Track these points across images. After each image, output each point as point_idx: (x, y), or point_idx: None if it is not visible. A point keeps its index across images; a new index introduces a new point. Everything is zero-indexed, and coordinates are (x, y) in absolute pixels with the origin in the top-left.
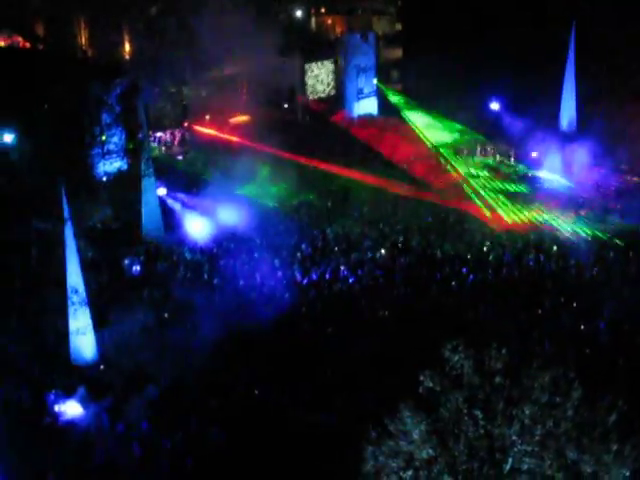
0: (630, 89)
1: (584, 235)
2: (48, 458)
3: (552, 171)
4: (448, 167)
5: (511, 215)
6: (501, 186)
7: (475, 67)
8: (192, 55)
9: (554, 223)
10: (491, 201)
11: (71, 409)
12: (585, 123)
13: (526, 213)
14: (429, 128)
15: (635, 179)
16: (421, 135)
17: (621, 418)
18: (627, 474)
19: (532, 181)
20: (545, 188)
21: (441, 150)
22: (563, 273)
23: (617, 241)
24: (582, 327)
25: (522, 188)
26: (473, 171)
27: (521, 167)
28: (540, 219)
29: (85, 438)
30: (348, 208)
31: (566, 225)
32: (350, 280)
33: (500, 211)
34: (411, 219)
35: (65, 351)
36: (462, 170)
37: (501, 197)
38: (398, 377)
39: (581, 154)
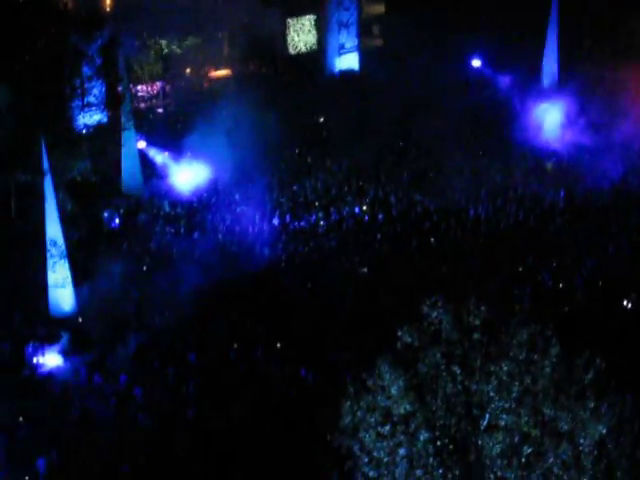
0: (611, 47)
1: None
2: (25, 409)
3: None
4: None
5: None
6: None
7: (457, 23)
8: (173, 7)
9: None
10: None
11: (50, 361)
12: (566, 80)
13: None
14: None
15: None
16: None
17: (598, 376)
18: (603, 431)
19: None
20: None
21: None
22: (542, 230)
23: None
24: (560, 285)
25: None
26: None
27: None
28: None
29: (63, 391)
30: (328, 161)
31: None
32: (329, 235)
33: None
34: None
35: (44, 304)
36: None
37: None
38: (376, 333)
39: (557, 111)
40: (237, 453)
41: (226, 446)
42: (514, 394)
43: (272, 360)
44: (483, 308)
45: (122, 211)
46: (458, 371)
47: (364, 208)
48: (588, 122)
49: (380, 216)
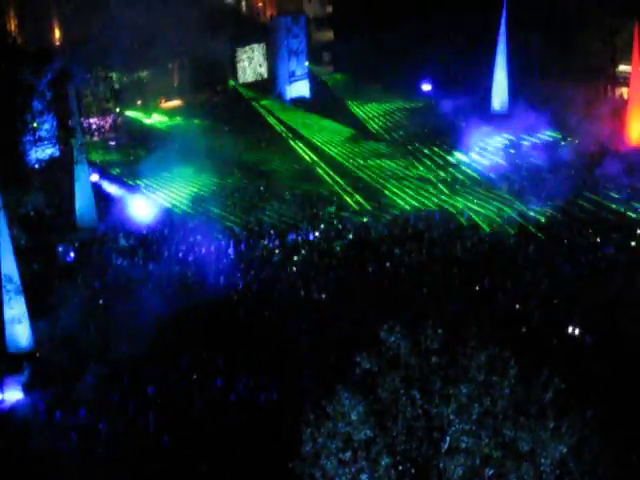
0: (561, 65)
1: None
2: None
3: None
4: None
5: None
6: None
7: (406, 49)
8: (121, 40)
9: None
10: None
11: (8, 397)
12: (515, 102)
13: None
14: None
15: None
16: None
17: (557, 396)
18: (564, 450)
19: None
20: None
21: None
22: (497, 253)
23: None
24: (517, 306)
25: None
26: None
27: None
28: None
29: (23, 426)
30: (279, 190)
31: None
32: (284, 263)
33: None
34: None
35: (0, 340)
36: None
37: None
38: (335, 359)
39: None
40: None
41: (189, 475)
42: (474, 416)
43: (231, 389)
44: (440, 331)
45: (77, 244)
46: (417, 395)
47: (317, 234)
48: (536, 143)
49: (336, 242)
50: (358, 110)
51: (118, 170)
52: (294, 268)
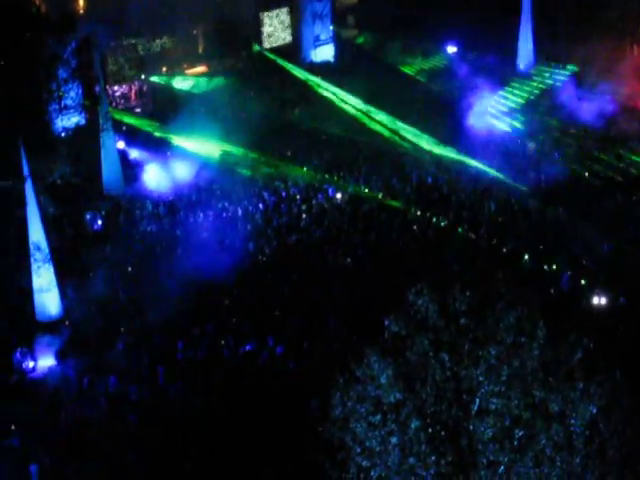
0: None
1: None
2: (16, 416)
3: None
4: None
5: None
6: None
7: (431, 10)
8: (144, 6)
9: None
10: None
11: (38, 366)
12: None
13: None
14: None
15: None
16: None
17: (586, 356)
18: (594, 411)
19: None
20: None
21: None
22: (524, 214)
23: None
24: (545, 267)
25: None
26: None
27: None
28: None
29: (53, 395)
30: (308, 155)
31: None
32: (312, 228)
33: None
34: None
35: (30, 309)
36: None
37: None
38: (364, 322)
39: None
40: (229, 447)
41: (219, 441)
42: (503, 378)
43: (261, 354)
44: (468, 293)
45: (104, 212)
46: (446, 357)
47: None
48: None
49: (363, 207)
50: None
51: (144, 136)
52: (320, 234)
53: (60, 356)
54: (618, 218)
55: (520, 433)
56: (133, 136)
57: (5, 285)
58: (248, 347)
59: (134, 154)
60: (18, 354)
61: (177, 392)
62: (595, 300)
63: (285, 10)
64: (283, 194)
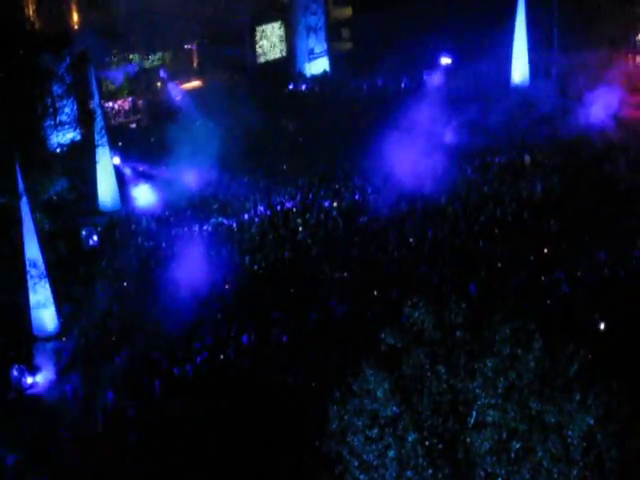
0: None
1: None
2: (13, 433)
3: None
4: None
5: None
6: None
7: (425, 22)
8: (139, 22)
9: None
10: None
11: (40, 380)
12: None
13: None
14: None
15: None
16: None
17: (583, 367)
18: (591, 422)
19: None
20: None
21: None
22: (520, 225)
23: None
24: (542, 278)
25: None
26: None
27: None
28: None
29: (51, 411)
30: (302, 167)
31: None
32: (307, 241)
33: None
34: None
35: (27, 325)
36: None
37: None
38: (360, 335)
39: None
40: (226, 461)
41: (216, 454)
42: (500, 390)
43: (259, 367)
44: (464, 306)
45: (100, 228)
46: (443, 370)
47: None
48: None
49: (361, 219)
50: None
51: (140, 152)
52: (316, 246)
53: (59, 371)
54: (611, 228)
55: (517, 445)
56: (129, 151)
57: (1, 301)
58: (246, 361)
59: (129, 170)
60: (15, 371)
61: (175, 407)
62: (591, 311)
63: (278, 23)
64: (278, 208)
